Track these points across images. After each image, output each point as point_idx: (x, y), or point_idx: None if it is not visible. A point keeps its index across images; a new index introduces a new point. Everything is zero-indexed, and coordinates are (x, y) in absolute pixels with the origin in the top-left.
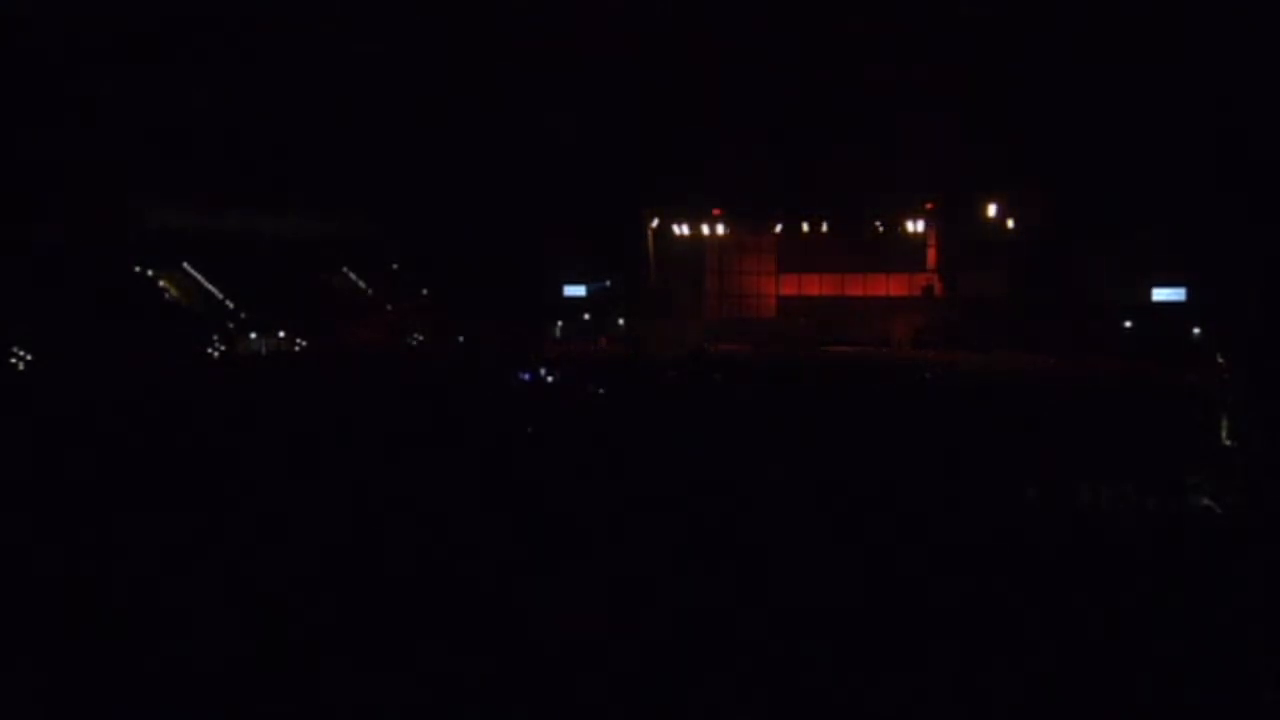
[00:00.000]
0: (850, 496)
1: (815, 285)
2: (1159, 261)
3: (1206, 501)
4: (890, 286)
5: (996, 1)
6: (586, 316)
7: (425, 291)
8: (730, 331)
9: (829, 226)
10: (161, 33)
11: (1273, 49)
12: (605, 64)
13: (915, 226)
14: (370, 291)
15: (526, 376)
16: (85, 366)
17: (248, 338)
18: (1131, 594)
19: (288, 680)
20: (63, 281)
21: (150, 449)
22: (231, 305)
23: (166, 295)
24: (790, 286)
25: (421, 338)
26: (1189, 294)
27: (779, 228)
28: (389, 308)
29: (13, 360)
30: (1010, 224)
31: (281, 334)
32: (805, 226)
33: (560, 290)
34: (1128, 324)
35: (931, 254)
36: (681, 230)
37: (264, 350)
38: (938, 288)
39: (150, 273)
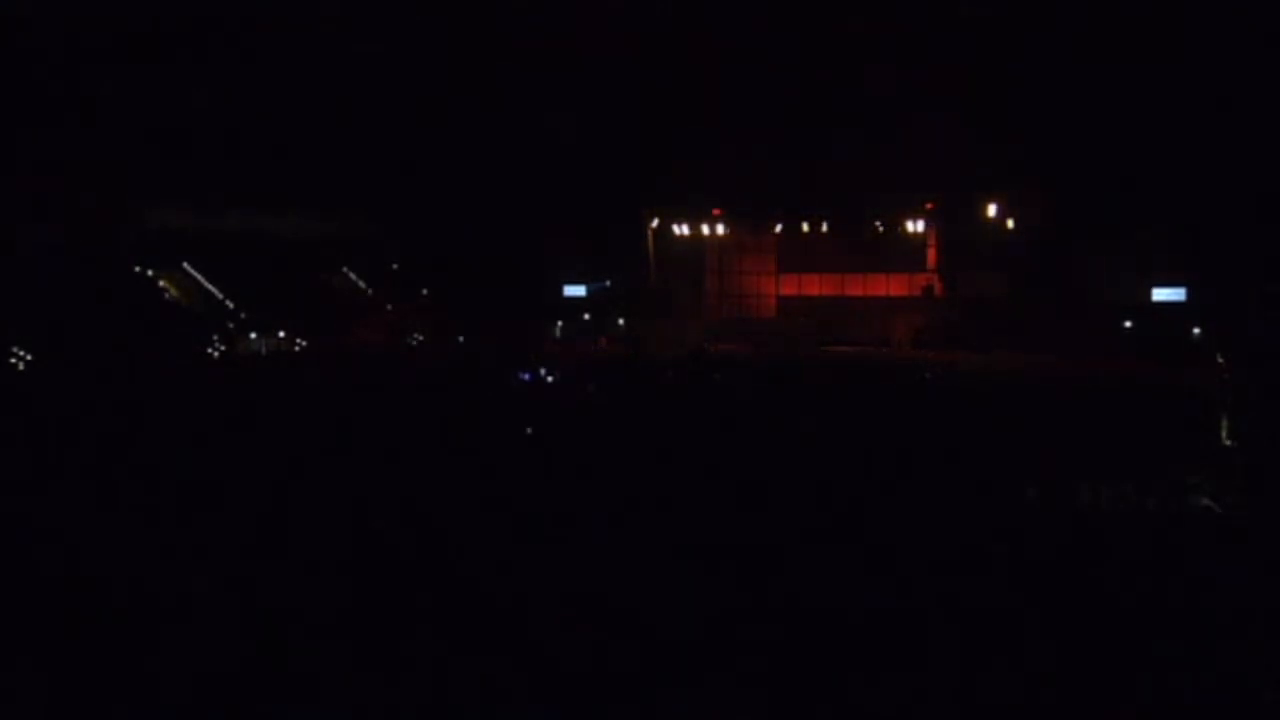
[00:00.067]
0: (850, 496)
1: (815, 285)
2: (1159, 261)
3: (1206, 501)
4: (890, 286)
5: (996, 1)
6: (586, 316)
7: (425, 291)
8: (730, 331)
9: (829, 226)
10: (161, 33)
11: (1273, 49)
12: (605, 64)
13: (915, 226)
14: (370, 291)
15: (526, 376)
16: (85, 366)
17: (248, 338)
18: (1131, 594)
19: (287, 680)
20: (63, 281)
21: (150, 449)
22: (231, 305)
23: (166, 295)
24: (790, 286)
25: (421, 338)
26: (1189, 294)
27: (779, 228)
28: (389, 308)
29: (13, 360)
30: (1010, 224)
31: (281, 334)
32: (805, 226)
33: (560, 290)
34: (1128, 324)
35: (931, 254)
36: (681, 230)
37: (264, 350)
38: (938, 288)
39: (150, 273)
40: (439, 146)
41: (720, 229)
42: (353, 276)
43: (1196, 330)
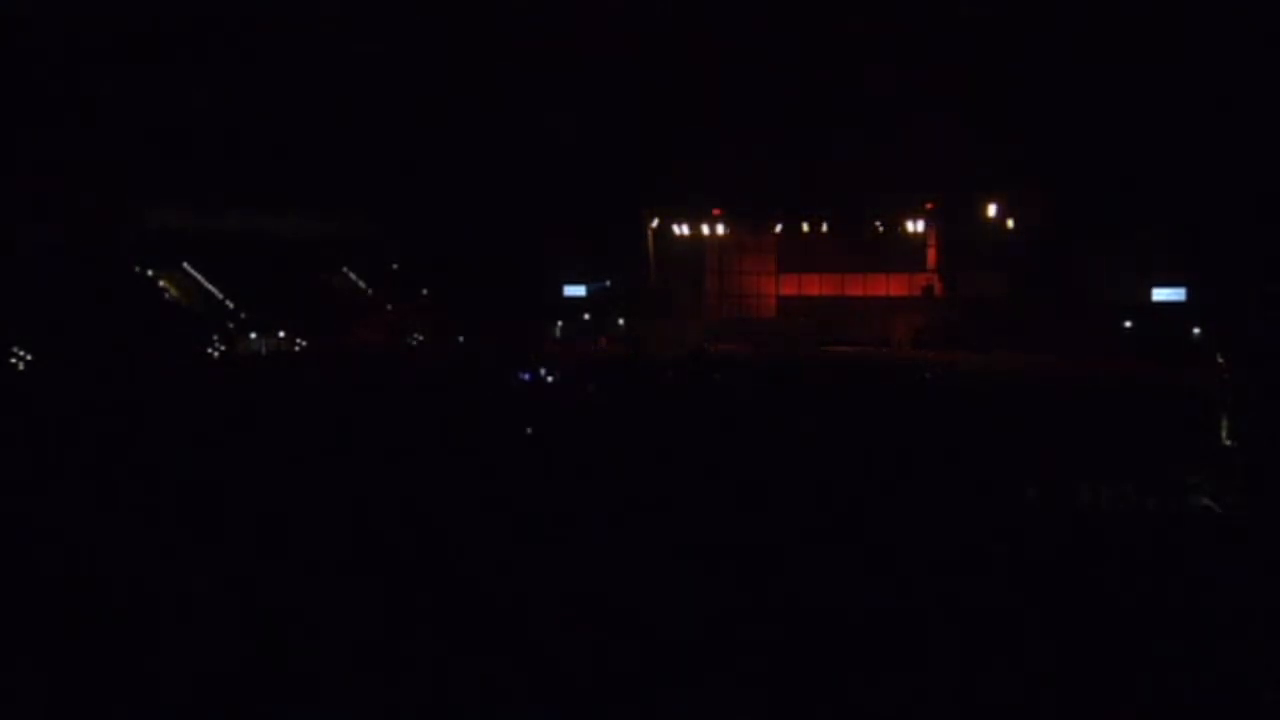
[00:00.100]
0: (850, 496)
1: (815, 285)
2: (1159, 261)
3: (1206, 501)
4: (890, 286)
5: (996, 1)
6: (586, 316)
7: (425, 291)
8: (730, 331)
9: (829, 226)
10: (161, 33)
11: (1273, 49)
12: (605, 64)
13: (915, 226)
14: (370, 291)
15: (526, 376)
16: (85, 366)
17: (248, 338)
18: (1131, 594)
19: (287, 680)
20: (63, 281)
21: (150, 448)
22: (231, 305)
23: (166, 295)
24: (790, 286)
25: (421, 338)
26: (1189, 294)
27: (779, 228)
28: (389, 308)
29: (13, 360)
30: (1010, 224)
31: (281, 334)
32: (805, 226)
33: (560, 290)
34: (1128, 324)
35: (931, 254)
36: (681, 230)
37: (264, 350)
38: (938, 288)
39: (150, 273)
40: (439, 146)
41: (720, 229)
42: (353, 276)
43: (1196, 330)
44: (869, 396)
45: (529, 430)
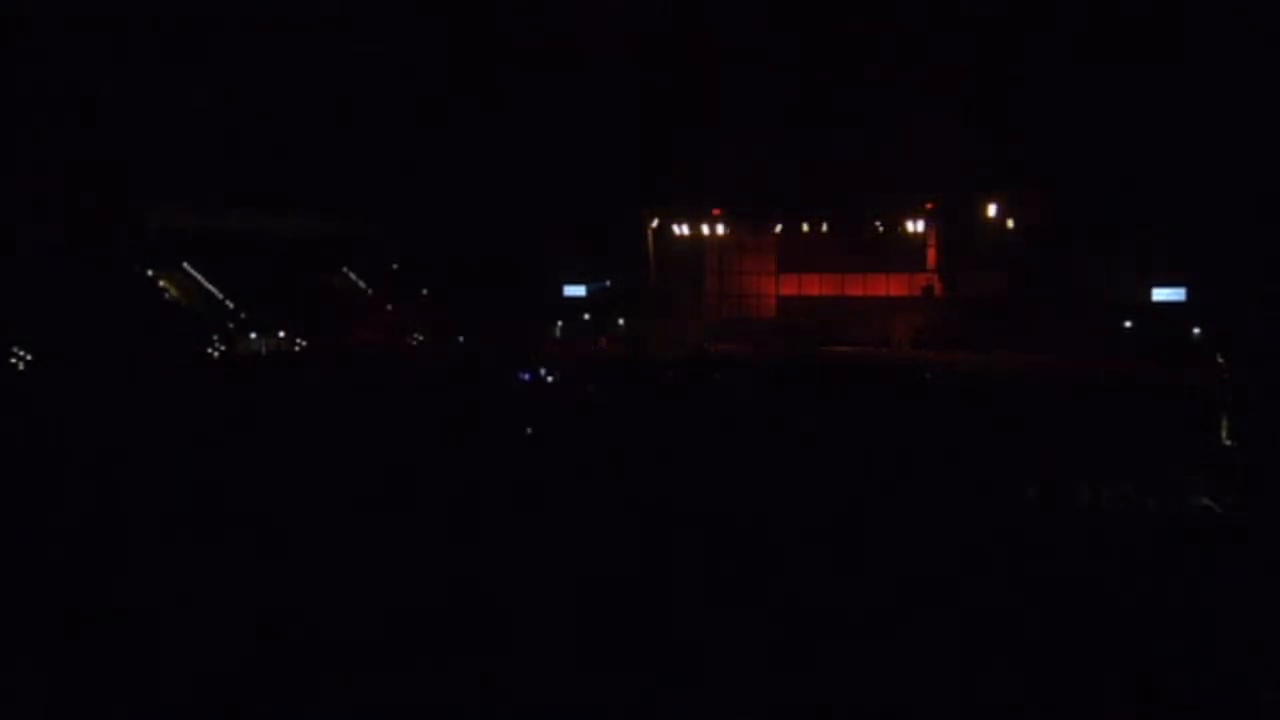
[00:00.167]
0: (850, 496)
1: (815, 285)
2: (1159, 261)
3: (1206, 501)
4: (890, 286)
5: (996, 1)
6: (586, 316)
7: (425, 291)
8: (730, 331)
9: (829, 226)
10: (161, 33)
11: (1273, 49)
12: (605, 64)
13: (915, 226)
14: (370, 291)
15: (526, 376)
16: (85, 366)
17: (248, 338)
18: (1131, 594)
19: (287, 680)
20: (63, 281)
21: (150, 448)
22: (231, 305)
23: (166, 295)
24: (790, 286)
25: (421, 338)
26: (1189, 294)
27: (779, 228)
28: (389, 308)
29: (13, 360)
30: (1010, 224)
31: (281, 334)
32: (805, 226)
33: (560, 290)
34: (1128, 324)
35: (931, 254)
36: (681, 230)
37: (264, 350)
38: (938, 288)
39: (150, 273)
40: (439, 146)
41: (720, 229)
42: (353, 276)
43: (1196, 330)
44: (869, 396)
45: (529, 430)
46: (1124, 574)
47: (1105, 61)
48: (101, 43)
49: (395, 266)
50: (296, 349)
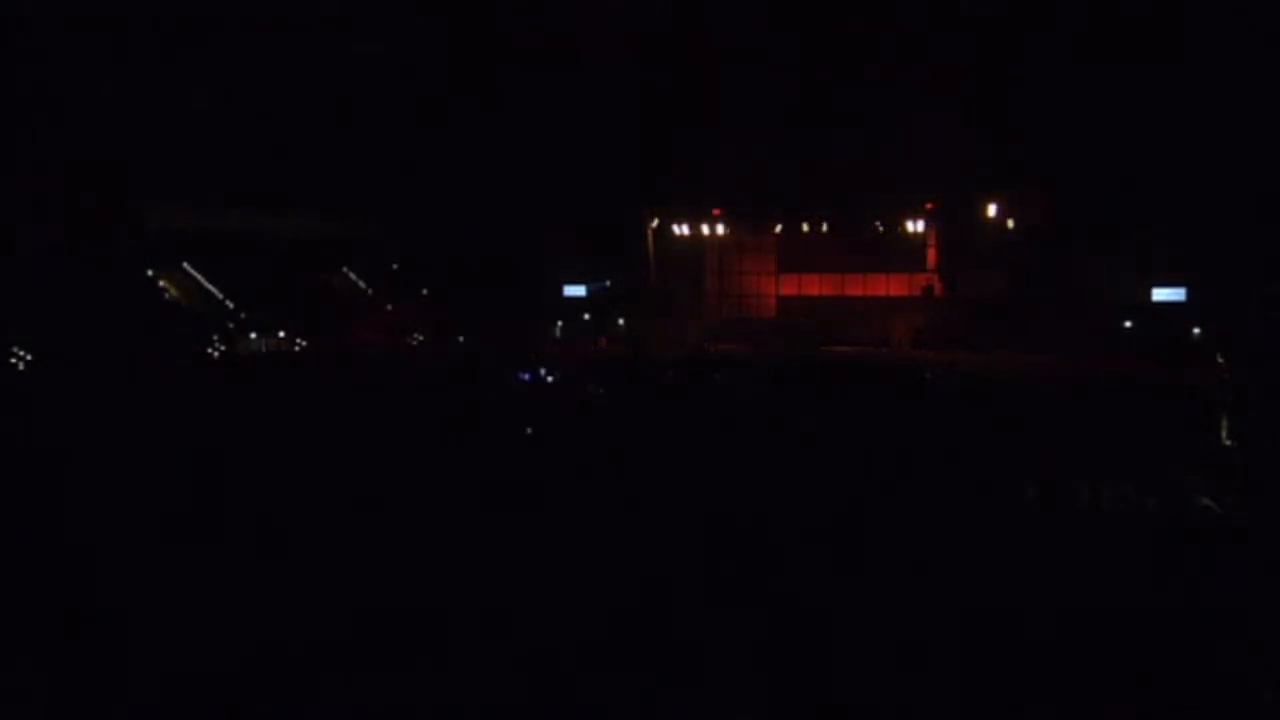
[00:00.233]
0: (850, 496)
1: (815, 285)
2: (1159, 261)
3: (1206, 501)
4: (890, 286)
5: (996, 1)
6: (586, 316)
7: (425, 291)
8: (730, 331)
9: (829, 226)
10: (161, 32)
11: (1273, 49)
12: (605, 64)
13: (915, 226)
14: (370, 291)
15: (526, 376)
16: (85, 366)
17: (248, 338)
18: (1131, 594)
19: (287, 681)
20: (63, 281)
21: (150, 448)
22: (231, 305)
23: (166, 295)
24: (790, 286)
25: (421, 338)
26: (1189, 294)
27: (779, 228)
28: (389, 308)
29: (13, 360)
30: (1010, 224)
31: (281, 334)
32: (805, 226)
33: (560, 290)
34: (1128, 324)
35: (931, 254)
36: (681, 230)
37: (264, 350)
38: (938, 288)
39: (150, 273)
40: (439, 146)
41: (720, 229)
42: (353, 276)
43: (1196, 330)
44: (869, 396)
45: (529, 430)
46: (1124, 574)
47: (1105, 61)
48: (101, 43)
49: (395, 266)
50: (296, 349)
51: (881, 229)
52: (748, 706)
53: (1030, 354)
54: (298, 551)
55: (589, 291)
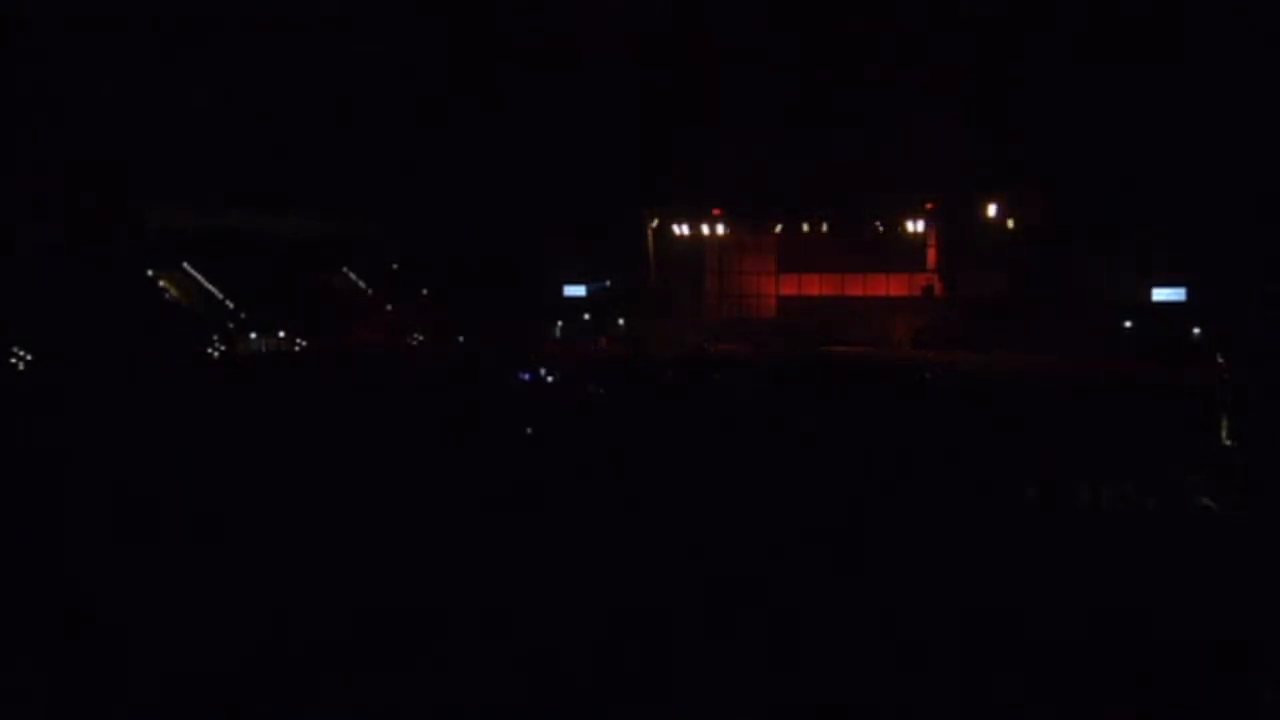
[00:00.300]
0: (850, 496)
1: (815, 285)
2: (1159, 261)
3: (1206, 501)
4: (890, 286)
5: (996, 1)
6: (586, 316)
7: (425, 291)
8: (730, 331)
9: (829, 226)
10: (162, 32)
11: (1273, 49)
12: (605, 64)
13: (915, 226)
14: (370, 291)
15: (526, 376)
16: (85, 366)
17: (248, 338)
18: (1131, 594)
19: (287, 681)
20: (63, 281)
21: (151, 448)
22: (231, 305)
23: (166, 295)
24: (790, 286)
25: (421, 338)
26: (1189, 294)
27: (779, 228)
28: (389, 308)
29: (13, 360)
30: (1010, 224)
31: (281, 334)
32: (805, 226)
33: (560, 290)
34: (1128, 324)
35: (931, 254)
36: (681, 230)
37: (264, 350)
38: (938, 288)
39: (150, 273)
40: (439, 146)
41: (720, 229)
42: (353, 276)
43: (1196, 330)
44: (869, 396)
45: (529, 430)
46: (1124, 574)
47: (1105, 62)
48: (101, 43)
49: (395, 266)
50: (296, 349)
51: (881, 229)
52: (748, 706)
53: (1030, 354)
54: (298, 551)
55: (589, 291)
